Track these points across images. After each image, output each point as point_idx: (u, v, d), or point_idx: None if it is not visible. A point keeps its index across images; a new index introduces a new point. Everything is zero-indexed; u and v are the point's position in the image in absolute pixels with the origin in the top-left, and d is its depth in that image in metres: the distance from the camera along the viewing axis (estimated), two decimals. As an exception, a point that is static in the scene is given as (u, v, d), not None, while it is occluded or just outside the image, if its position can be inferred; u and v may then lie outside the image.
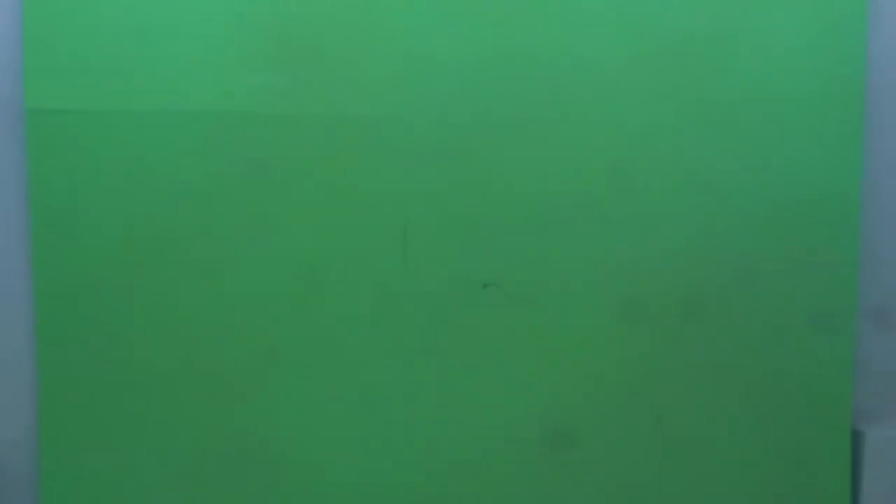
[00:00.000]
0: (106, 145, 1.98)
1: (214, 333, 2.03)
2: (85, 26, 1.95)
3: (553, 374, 2.13)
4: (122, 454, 2.03)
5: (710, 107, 2.12)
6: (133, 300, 2.01)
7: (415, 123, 2.05)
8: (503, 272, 2.10)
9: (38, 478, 2.03)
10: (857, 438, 2.23)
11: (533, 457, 2.13)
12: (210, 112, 2.00)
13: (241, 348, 2.04)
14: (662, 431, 2.16)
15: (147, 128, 1.98)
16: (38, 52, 1.95)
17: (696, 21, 2.11)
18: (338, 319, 2.06)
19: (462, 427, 2.11)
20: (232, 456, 2.06)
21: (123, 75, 1.97)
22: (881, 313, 2.26)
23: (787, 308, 2.18)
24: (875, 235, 2.23)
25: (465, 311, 2.09)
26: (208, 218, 2.02)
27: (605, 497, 2.17)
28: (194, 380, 2.03)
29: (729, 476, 2.20)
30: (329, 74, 2.03)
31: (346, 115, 2.03)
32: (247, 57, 2.00)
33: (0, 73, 1.97)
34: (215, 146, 2.01)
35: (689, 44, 2.11)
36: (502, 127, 2.08)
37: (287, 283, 2.04)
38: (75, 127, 1.97)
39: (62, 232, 1.98)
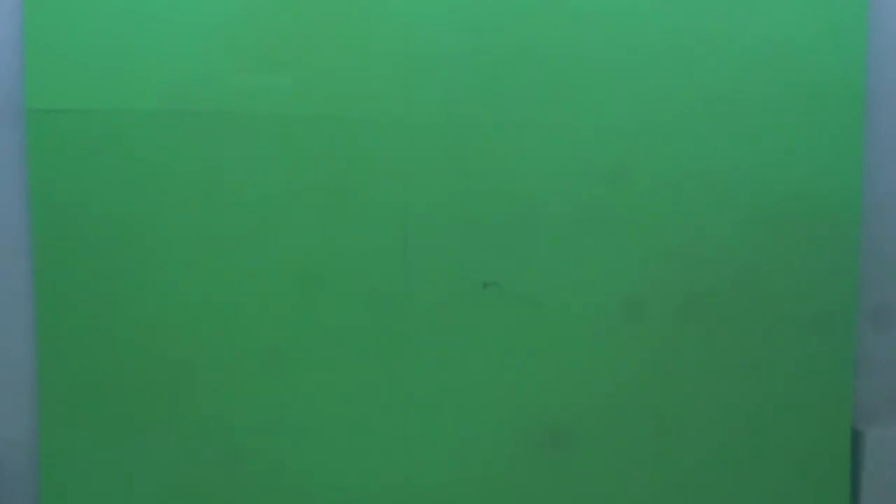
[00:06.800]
0: (106, 145, 1.98)
1: (215, 333, 2.03)
2: (85, 26, 1.95)
3: (553, 374, 2.13)
4: (122, 454, 2.03)
5: (710, 107, 2.12)
6: (133, 300, 2.01)
7: (415, 124, 2.05)
8: (503, 272, 2.10)
9: (38, 478, 2.03)
10: (856, 438, 2.23)
11: (533, 456, 2.13)
12: (210, 112, 2.00)
13: (240, 348, 2.04)
14: (662, 430, 2.16)
15: (147, 128, 1.98)
16: (38, 52, 1.94)
17: (696, 21, 2.11)
18: (337, 319, 2.06)
19: (461, 426, 2.11)
20: (231, 456, 2.06)
21: (123, 75, 1.97)
22: (881, 313, 2.26)
23: (787, 308, 2.18)
24: (875, 235, 2.23)
25: (465, 311, 2.10)
26: (208, 218, 2.02)
27: (605, 496, 2.17)
28: (194, 380, 2.03)
29: (729, 475, 2.20)
30: (329, 74, 2.02)
31: (346, 115, 2.03)
32: (246, 57, 2.00)
33: (0, 73, 1.97)
34: (215, 146, 2.01)
35: (690, 44, 2.11)
36: (502, 127, 2.07)
37: (287, 284, 2.04)
38: (75, 127, 1.97)
39: (62, 232, 1.98)
